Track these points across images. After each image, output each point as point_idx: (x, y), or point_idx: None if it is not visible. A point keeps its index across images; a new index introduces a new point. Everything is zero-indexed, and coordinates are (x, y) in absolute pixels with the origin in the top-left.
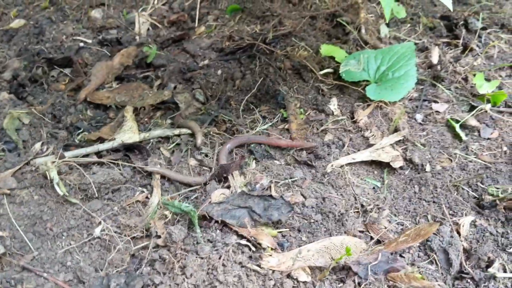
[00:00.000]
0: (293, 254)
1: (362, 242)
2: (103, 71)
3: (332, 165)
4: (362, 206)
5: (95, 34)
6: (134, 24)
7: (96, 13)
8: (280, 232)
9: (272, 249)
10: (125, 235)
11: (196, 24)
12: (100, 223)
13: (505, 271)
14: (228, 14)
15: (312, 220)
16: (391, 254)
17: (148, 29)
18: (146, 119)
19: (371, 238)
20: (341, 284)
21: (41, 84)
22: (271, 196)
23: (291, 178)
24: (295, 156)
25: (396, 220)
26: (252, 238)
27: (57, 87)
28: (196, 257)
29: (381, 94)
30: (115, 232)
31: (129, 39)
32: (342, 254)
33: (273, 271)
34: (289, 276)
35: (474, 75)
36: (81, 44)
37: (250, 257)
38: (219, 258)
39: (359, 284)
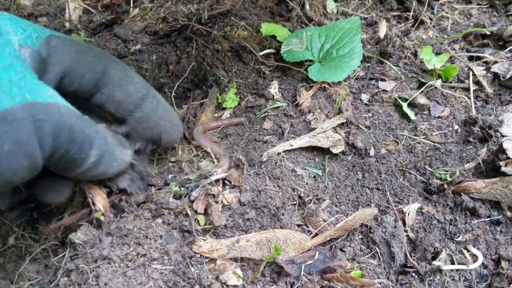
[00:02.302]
0: (230, 242)
1: (308, 239)
2: None
3: (268, 153)
4: (300, 197)
5: None
6: (65, 10)
7: (25, 1)
8: (214, 229)
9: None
10: (40, 244)
11: (131, 7)
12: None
13: (452, 263)
14: None
15: (246, 217)
16: (330, 250)
17: (80, 15)
18: None
19: (310, 232)
20: (274, 286)
21: None
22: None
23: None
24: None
25: (336, 211)
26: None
27: None
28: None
29: (324, 75)
30: (35, 240)
31: (58, 26)
32: (275, 253)
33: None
34: (217, 278)
35: None
36: None
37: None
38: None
39: (292, 285)
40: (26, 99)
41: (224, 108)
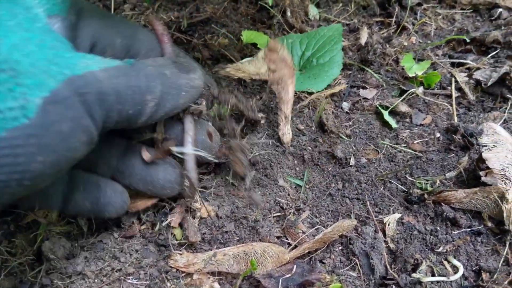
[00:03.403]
0: (206, 256)
1: (286, 252)
2: None
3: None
4: (282, 208)
5: None
6: None
7: None
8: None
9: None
10: (17, 258)
11: None
12: None
13: (433, 274)
14: (147, 2)
15: (225, 230)
16: (309, 263)
17: None
18: None
19: (289, 244)
20: None
21: None
22: None
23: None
24: None
25: (316, 222)
26: None
27: None
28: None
29: (304, 84)
30: (11, 254)
31: None
32: (251, 267)
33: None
34: None
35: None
36: None
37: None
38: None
39: None
40: (65, 75)
41: None
